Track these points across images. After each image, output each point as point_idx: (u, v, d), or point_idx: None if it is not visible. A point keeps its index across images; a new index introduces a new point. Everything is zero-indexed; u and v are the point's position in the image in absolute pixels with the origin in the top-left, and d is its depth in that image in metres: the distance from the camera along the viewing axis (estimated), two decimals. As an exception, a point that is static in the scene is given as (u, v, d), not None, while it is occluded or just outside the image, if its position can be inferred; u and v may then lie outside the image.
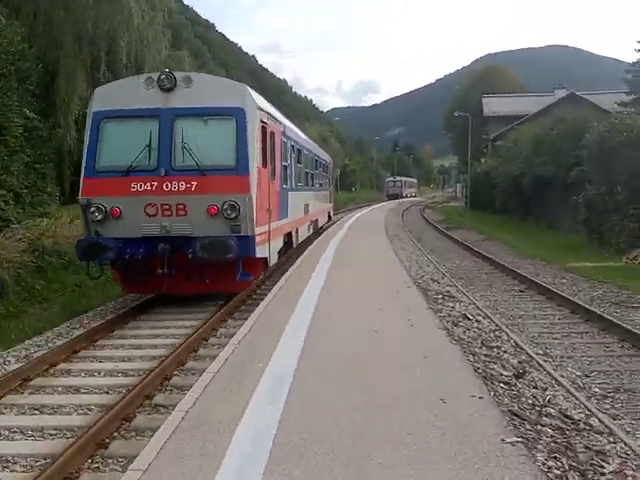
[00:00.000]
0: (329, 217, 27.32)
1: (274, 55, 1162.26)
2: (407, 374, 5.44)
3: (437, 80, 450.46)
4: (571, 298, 10.76)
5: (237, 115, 10.18)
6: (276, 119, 12.83)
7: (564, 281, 13.11)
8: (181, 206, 9.89)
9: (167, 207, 9.88)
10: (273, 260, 12.12)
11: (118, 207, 9.95)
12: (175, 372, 7.27)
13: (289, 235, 14.43)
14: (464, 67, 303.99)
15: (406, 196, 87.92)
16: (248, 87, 10.81)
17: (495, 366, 6.08)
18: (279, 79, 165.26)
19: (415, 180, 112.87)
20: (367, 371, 5.57)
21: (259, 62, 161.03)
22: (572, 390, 5.80)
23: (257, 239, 10.30)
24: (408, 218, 38.76)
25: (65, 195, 25.62)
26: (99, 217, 9.99)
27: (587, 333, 8.79)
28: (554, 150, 23.80)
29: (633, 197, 16.68)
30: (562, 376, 6.51)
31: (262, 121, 10.90)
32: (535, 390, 5.54)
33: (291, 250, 15.20)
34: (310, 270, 12.31)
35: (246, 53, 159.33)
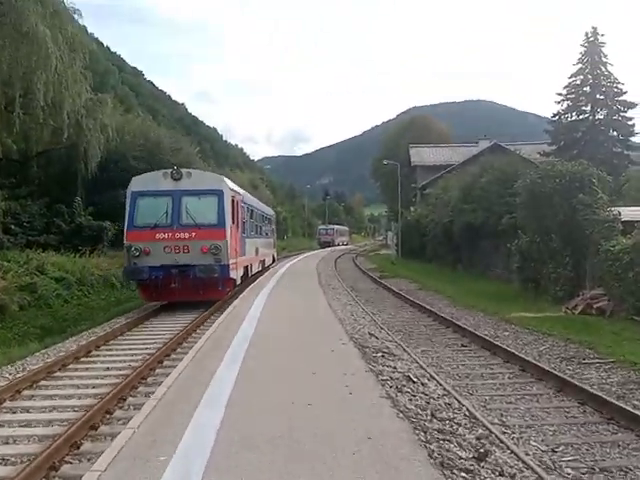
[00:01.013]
0: (273, 259, 33.66)
1: (204, 104, 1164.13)
2: (346, 467, 4.37)
3: (364, 132, 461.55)
4: (518, 353, 10.04)
5: (218, 194, 17.44)
6: (239, 193, 20.30)
7: (506, 334, 12.44)
8: (185, 246, 16.82)
9: (177, 247, 16.80)
10: (238, 281, 19.41)
11: (148, 248, 16.72)
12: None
13: (246, 268, 21.64)
14: (390, 120, 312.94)
15: (338, 244, 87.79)
16: (225, 177, 19.42)
17: (451, 446, 5.11)
18: (209, 127, 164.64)
19: (347, 228, 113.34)
20: (295, 466, 4.45)
21: (189, 110, 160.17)
22: (544, 475, 4.88)
23: (230, 266, 17.31)
24: (341, 266, 38.07)
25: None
26: (137, 254, 16.70)
27: (542, 395, 7.97)
28: (483, 197, 23.77)
29: (567, 245, 16.48)
30: (527, 454, 5.60)
31: (232, 196, 18.23)
32: (502, 479, 4.58)
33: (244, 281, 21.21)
34: (239, 322, 11.17)
35: (176, 101, 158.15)
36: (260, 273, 26.10)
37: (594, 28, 38.36)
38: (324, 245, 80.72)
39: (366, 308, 16.28)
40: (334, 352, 8.73)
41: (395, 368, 8.18)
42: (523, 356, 9.85)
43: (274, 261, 33.93)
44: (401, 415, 5.65)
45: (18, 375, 9.80)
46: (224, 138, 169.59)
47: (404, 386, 7.08)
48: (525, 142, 50.70)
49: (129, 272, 17.38)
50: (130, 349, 11.99)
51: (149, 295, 17.79)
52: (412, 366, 8.69)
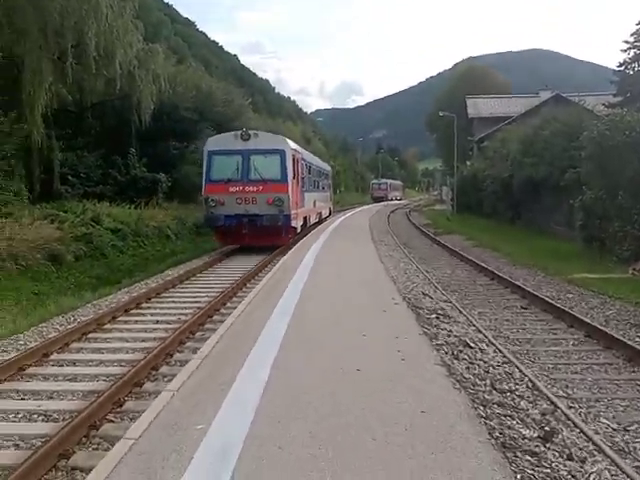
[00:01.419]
0: (330, 212, 36.43)
1: (256, 55, 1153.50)
2: (398, 446, 3.99)
3: (419, 83, 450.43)
4: (583, 318, 9.37)
5: (281, 153, 19.90)
6: (298, 151, 22.89)
7: (570, 296, 11.72)
8: (254, 198, 19.36)
9: (247, 199, 19.37)
10: (299, 229, 21.96)
11: (222, 199, 19.49)
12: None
13: (305, 218, 24.02)
14: (446, 70, 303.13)
15: (391, 199, 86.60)
16: (286, 138, 22.07)
17: (514, 423, 4.67)
18: (262, 79, 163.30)
19: (400, 183, 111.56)
20: (343, 444, 4.09)
21: (241, 62, 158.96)
22: (618, 461, 4.40)
23: (292, 216, 19.97)
24: (394, 221, 37.44)
25: (34, 194, 24.06)
26: (213, 204, 19.59)
27: (611, 365, 7.37)
28: (545, 151, 22.54)
29: (636, 202, 15.41)
30: (597, 432, 5.12)
31: (293, 155, 20.66)
32: (571, 464, 4.13)
33: (304, 230, 23.64)
34: (290, 275, 10.89)
35: (228, 52, 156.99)
36: (318, 223, 29.17)
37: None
38: (377, 200, 79.69)
39: (420, 266, 15.75)
40: (386, 312, 8.32)
41: (451, 331, 7.72)
42: (589, 321, 9.19)
43: (330, 214, 36.62)
44: (457, 385, 5.22)
45: (69, 326, 9.81)
46: (276, 90, 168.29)
47: (461, 352, 6.63)
48: (589, 93, 48.13)
49: (207, 219, 20.42)
50: (182, 301, 11.97)
51: (224, 239, 21.00)
52: (469, 329, 8.22)
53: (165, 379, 6.96)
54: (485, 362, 6.45)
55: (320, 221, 30.40)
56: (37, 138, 23.36)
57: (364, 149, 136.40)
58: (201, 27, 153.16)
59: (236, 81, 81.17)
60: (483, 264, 16.21)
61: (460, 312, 9.60)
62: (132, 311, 10.99)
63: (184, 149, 32.85)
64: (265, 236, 19.57)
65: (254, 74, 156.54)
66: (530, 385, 5.92)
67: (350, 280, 11.54)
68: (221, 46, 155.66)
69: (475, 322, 8.93)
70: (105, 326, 9.72)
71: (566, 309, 10.05)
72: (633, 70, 36.95)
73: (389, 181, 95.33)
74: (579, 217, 18.20)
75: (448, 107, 58.19)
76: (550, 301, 10.76)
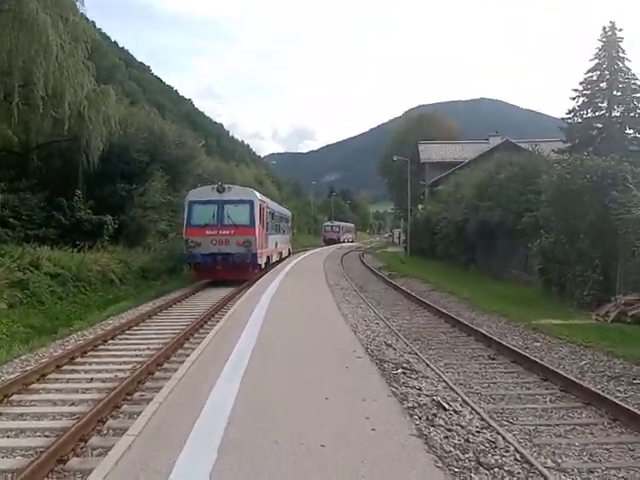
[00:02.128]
0: (289, 252, 40.76)
1: (211, 100, 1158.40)
2: None
3: (371, 129, 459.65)
4: (556, 370, 8.75)
5: (249, 203, 23.60)
6: (264, 201, 26.73)
7: (538, 344, 11.12)
8: (227, 240, 22.78)
9: (221, 240, 22.76)
10: (263, 265, 25.45)
11: (200, 241, 22.82)
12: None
13: (268, 257, 27.68)
14: (397, 117, 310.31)
15: (344, 241, 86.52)
16: (255, 190, 26.29)
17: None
18: (216, 123, 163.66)
19: (352, 225, 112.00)
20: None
21: (196, 106, 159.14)
22: None
23: (258, 255, 23.31)
24: (348, 265, 36.84)
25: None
26: (192, 245, 22.88)
27: (596, 426, 6.66)
28: (501, 195, 22.46)
29: (597, 246, 15.19)
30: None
31: (259, 204, 24.20)
32: None
33: (267, 267, 27.32)
34: (239, 330, 9.99)
35: (182, 96, 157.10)
36: (279, 261, 33.02)
37: (612, 22, 37.07)
38: (330, 242, 79.38)
39: (378, 312, 15.06)
40: (349, 369, 7.56)
41: (420, 390, 6.99)
42: (562, 373, 8.56)
43: (290, 254, 41.08)
44: (440, 463, 4.47)
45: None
46: (230, 134, 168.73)
47: (435, 416, 5.89)
48: (537, 140, 49.36)
49: (187, 257, 23.79)
50: (121, 354, 10.91)
51: (200, 274, 23.95)
52: (439, 386, 7.50)
53: (94, 453, 5.97)
54: (463, 427, 5.71)
55: (280, 260, 34.16)
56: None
57: (317, 192, 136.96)
58: (156, 71, 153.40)
59: (190, 125, 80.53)
60: (443, 309, 15.60)
61: (427, 365, 8.87)
62: (64, 367, 9.88)
63: (133, 191, 31.69)
64: (235, 271, 22.96)
65: (208, 118, 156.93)
66: (518, 456, 5.18)
67: (307, 330, 10.76)
68: (176, 90, 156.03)
69: (443, 376, 8.21)
70: (31, 386, 8.60)
71: (537, 360, 9.43)
72: (581, 117, 38.14)
73: (341, 224, 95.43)
74: (537, 261, 17.95)
75: (400, 152, 58.84)
76: (518, 350, 10.14)
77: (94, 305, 20.68)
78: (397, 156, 53.42)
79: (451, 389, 7.44)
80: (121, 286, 25.05)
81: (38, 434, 6.67)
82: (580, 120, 38.02)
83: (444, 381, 7.85)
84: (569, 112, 38.35)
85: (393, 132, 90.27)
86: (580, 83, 37.39)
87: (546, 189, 16.77)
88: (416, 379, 7.58)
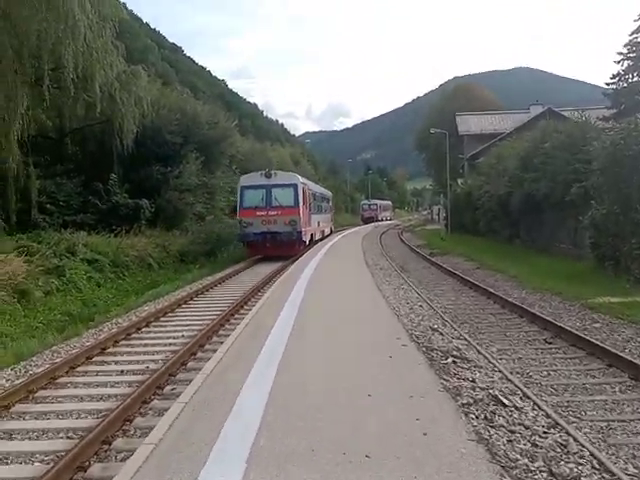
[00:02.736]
0: (331, 230, 43.23)
1: (244, 80, 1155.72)
2: None
3: (406, 104, 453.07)
4: (623, 355, 7.94)
5: (294, 186, 26.18)
6: (306, 184, 29.44)
7: (597, 325, 10.25)
8: (275, 220, 25.27)
9: (269, 220, 25.26)
10: (307, 243, 27.93)
11: (251, 221, 25.35)
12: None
13: (312, 234, 30.12)
14: (432, 91, 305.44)
15: (382, 220, 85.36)
16: (297, 175, 29.09)
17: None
18: (250, 103, 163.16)
19: (390, 203, 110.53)
20: None
21: (229, 87, 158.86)
22: None
23: (302, 233, 25.82)
24: (387, 243, 36.06)
25: (10, 224, 22.61)
26: (245, 225, 25.47)
27: (680, 420, 5.92)
28: (547, 165, 21.28)
29: (655, 217, 14.09)
30: None
31: (302, 187, 26.84)
32: None
33: (311, 244, 29.67)
34: (271, 322, 9.44)
35: (216, 77, 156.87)
36: (321, 239, 35.28)
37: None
38: (368, 221, 78.36)
39: (421, 293, 14.34)
40: (393, 359, 6.90)
41: (474, 382, 6.30)
42: (630, 358, 7.74)
43: (331, 232, 43.49)
44: (506, 477, 3.80)
45: (16, 382, 8.30)
46: (265, 114, 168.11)
47: (494, 414, 5.21)
48: (579, 107, 47.28)
49: (241, 236, 26.66)
50: (155, 343, 10.52)
51: (252, 251, 26.93)
52: (494, 377, 6.79)
53: (118, 457, 5.49)
54: (528, 428, 5.02)
55: (323, 237, 36.87)
56: (13, 165, 22.10)
57: (353, 170, 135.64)
58: (188, 52, 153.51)
59: (224, 105, 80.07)
60: (489, 289, 14.78)
61: (478, 352, 8.16)
62: (95, 358, 9.50)
63: (168, 174, 31.45)
64: (283, 247, 25.73)
65: (242, 98, 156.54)
66: (595, 463, 4.47)
67: (347, 315, 10.14)
68: (209, 71, 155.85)
69: (498, 364, 7.50)
70: (59, 380, 8.22)
71: (599, 343, 8.61)
72: (627, 82, 36.22)
73: (379, 202, 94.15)
74: (589, 235, 16.88)
75: (438, 125, 57.29)
76: (577, 333, 9.33)
77: (132, 291, 20.51)
78: (434, 129, 52.14)
79: (508, 380, 6.73)
80: (159, 270, 24.91)
81: (61, 434, 6.24)
82: (626, 85, 36.13)
83: (499, 370, 7.13)
84: (614, 77, 36.40)
85: (429, 106, 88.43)
86: (624, 45, 35.43)
87: (597, 156, 15.63)
88: (468, 369, 6.89)
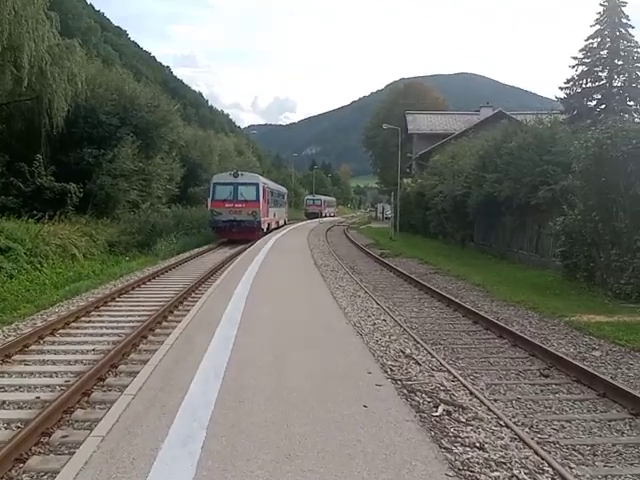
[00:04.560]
0: (285, 222, 49.42)
1: (190, 68, 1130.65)
2: None
3: (352, 102, 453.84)
4: (648, 399, 6.34)
5: (256, 185, 32.83)
6: (266, 183, 36.79)
7: (597, 354, 8.61)
8: (239, 210, 31.50)
9: (235, 211, 31.46)
10: (265, 230, 34.30)
11: (221, 211, 31.48)
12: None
13: (269, 224, 36.11)
14: (379, 90, 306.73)
15: (325, 215, 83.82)
16: (259, 175, 39.07)
17: None
18: (195, 92, 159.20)
19: (334, 199, 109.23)
20: None
21: (174, 74, 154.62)
22: None
23: (261, 221, 32.46)
24: (334, 241, 34.33)
25: None
26: (215, 214, 31.58)
27: None
28: (511, 166, 19.95)
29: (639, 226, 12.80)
30: None
31: (263, 185, 33.76)
32: None
33: (268, 231, 35.94)
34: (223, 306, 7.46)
35: (160, 63, 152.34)
36: (276, 228, 40.96)
37: (615, -16, 34.60)
38: (311, 216, 76.52)
39: (379, 301, 12.60)
40: (368, 411, 5.06)
41: (484, 449, 4.54)
42: (655, 404, 6.19)
43: (285, 223, 49.68)
44: None
45: None
46: (209, 104, 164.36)
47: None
48: (530, 111, 46.76)
49: (212, 222, 31.93)
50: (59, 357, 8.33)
51: (221, 234, 32.37)
52: (504, 436, 5.01)
53: None
54: None
55: (278, 227, 42.87)
56: None
57: (297, 165, 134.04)
58: (133, 37, 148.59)
59: (168, 92, 76.76)
60: (454, 299, 13.15)
61: (469, 392, 6.41)
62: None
63: (101, 157, 28.84)
64: (245, 232, 31.31)
65: (187, 86, 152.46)
66: None
67: (301, 334, 8.27)
68: (153, 56, 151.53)
69: (500, 414, 5.76)
70: None
71: (611, 381, 7.00)
72: (580, 87, 35.70)
73: (323, 197, 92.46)
74: (559, 242, 15.55)
75: (386, 123, 56.14)
76: (577, 364, 7.70)
77: (50, 284, 18.10)
78: (381, 128, 50.85)
79: (524, 443, 4.99)
80: (84, 261, 22.48)
81: None
82: (579, 90, 35.68)
83: (506, 425, 5.39)
84: (567, 81, 35.90)
85: (378, 103, 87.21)
86: (580, 50, 34.94)
87: (578, 157, 14.22)
88: (468, 424, 5.13)
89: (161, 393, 5.48)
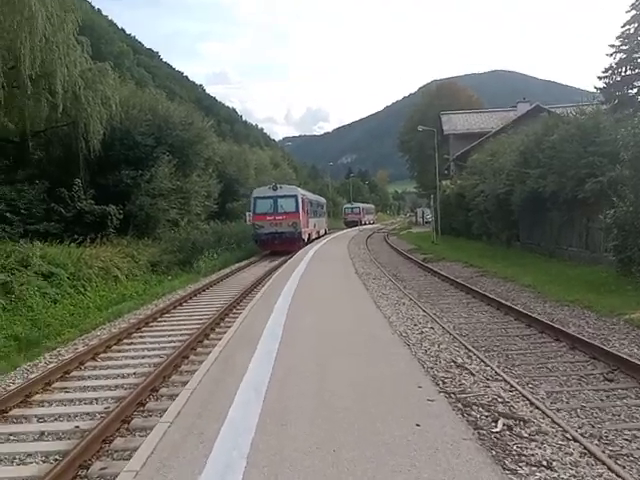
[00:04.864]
0: (325, 231, 50.56)
1: (222, 85, 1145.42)
2: None
3: (385, 107, 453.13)
4: None
5: (295, 197, 33.75)
6: (304, 194, 37.66)
7: (665, 354, 8.09)
8: (280, 223, 32.53)
9: (276, 223, 32.49)
10: (306, 241, 35.29)
11: (263, 224, 32.52)
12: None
13: (309, 234, 37.16)
14: (411, 94, 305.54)
15: (365, 223, 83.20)
16: (297, 187, 39.71)
17: None
18: (228, 108, 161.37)
19: (373, 206, 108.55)
20: None
21: (207, 92, 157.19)
22: None
23: (302, 232, 33.67)
24: (375, 249, 33.83)
25: None
26: (257, 227, 32.67)
27: None
28: (555, 159, 19.19)
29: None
30: None
31: (302, 196, 34.78)
32: None
33: (307, 241, 36.57)
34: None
35: (193, 82, 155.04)
36: (317, 238, 42.06)
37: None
38: (351, 225, 75.98)
39: (425, 307, 12.13)
40: (421, 430, 4.67)
41: (551, 467, 4.10)
42: None
43: (326, 232, 50.92)
44: None
45: None
46: (243, 119, 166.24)
47: None
48: (566, 104, 45.39)
49: (255, 236, 32.93)
50: (100, 384, 8.16)
51: (263, 248, 33.20)
52: (573, 452, 4.55)
53: None
54: None
55: (318, 237, 43.78)
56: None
57: (334, 174, 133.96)
58: (165, 58, 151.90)
59: (202, 110, 77.66)
60: (505, 301, 12.59)
61: (530, 402, 5.94)
62: (12, 411, 7.16)
63: (139, 178, 29.09)
64: (287, 244, 32.05)
65: (220, 103, 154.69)
66: None
67: (344, 344, 7.90)
68: (186, 76, 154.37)
69: (566, 426, 5.28)
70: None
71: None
72: (620, 75, 34.50)
73: (362, 205, 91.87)
74: (612, 236, 14.79)
75: (421, 125, 55.45)
76: (645, 366, 7.16)
77: (94, 307, 18.24)
78: (416, 131, 50.18)
79: (594, 457, 4.50)
80: (127, 282, 22.62)
81: None
82: (619, 79, 34.47)
83: (573, 439, 4.92)
84: (606, 70, 34.71)
85: (412, 106, 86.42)
86: (617, 37, 33.70)
87: (626, 145, 13.51)
88: (532, 439, 4.69)
89: (199, 420, 5.19)
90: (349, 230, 62.64)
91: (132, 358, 10.07)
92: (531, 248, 23.41)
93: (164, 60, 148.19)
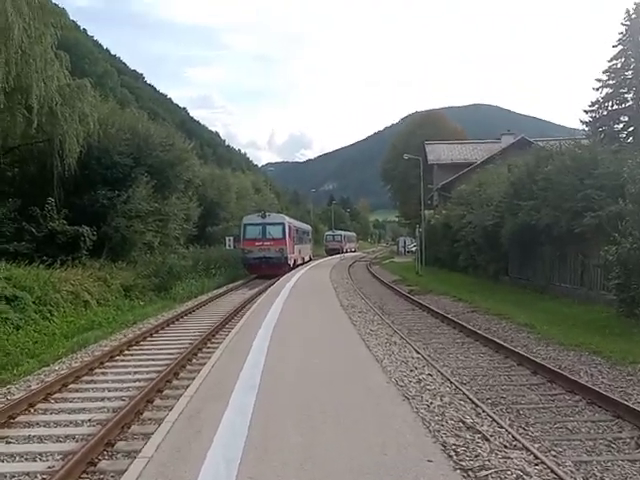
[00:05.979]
0: (310, 257, 52.65)
1: (206, 109, 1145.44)
2: None
3: (367, 137, 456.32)
4: None
5: (282, 224, 37.07)
6: (291, 222, 40.76)
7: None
8: (268, 248, 35.28)
9: (264, 248, 35.25)
10: (292, 265, 38.10)
11: (251, 249, 35.29)
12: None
13: (295, 260, 39.99)
14: (394, 124, 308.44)
15: (346, 251, 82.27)
16: (285, 215, 43.41)
17: None
18: (211, 132, 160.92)
19: (354, 234, 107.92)
20: None
21: (191, 115, 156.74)
22: None
23: (288, 258, 36.46)
24: (358, 278, 32.84)
25: None
26: (247, 252, 35.39)
27: None
28: (549, 191, 18.48)
29: None
30: None
31: (289, 224, 38.04)
32: None
33: (293, 267, 38.80)
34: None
35: (177, 105, 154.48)
36: (302, 263, 44.08)
37: (637, 4, 33.45)
38: (332, 252, 74.97)
39: (418, 348, 11.10)
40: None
41: None
42: None
43: (310, 259, 52.64)
44: None
45: None
46: (227, 143, 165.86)
47: None
48: (552, 138, 45.19)
49: (244, 260, 35.13)
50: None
51: (252, 271, 35.13)
52: None
53: None
54: None
55: (303, 262, 46.00)
56: None
57: (316, 201, 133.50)
58: (149, 80, 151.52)
59: (185, 133, 76.71)
60: (503, 343, 11.64)
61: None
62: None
63: (115, 199, 27.83)
64: (274, 268, 33.77)
65: (204, 127, 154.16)
66: None
67: (333, 403, 6.83)
68: (170, 98, 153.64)
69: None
70: None
71: None
72: (606, 110, 34.33)
73: (343, 233, 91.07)
74: (614, 274, 13.98)
75: (403, 155, 55.05)
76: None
77: (60, 334, 16.99)
78: (399, 161, 49.76)
79: None
80: (98, 308, 21.37)
81: None
82: (605, 113, 34.36)
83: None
84: (592, 104, 34.64)
85: (395, 135, 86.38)
86: (603, 72, 33.70)
87: (633, 178, 12.77)
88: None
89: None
90: (330, 258, 61.63)
91: (89, 400, 8.90)
92: (521, 283, 22.59)
93: (148, 82, 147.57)
